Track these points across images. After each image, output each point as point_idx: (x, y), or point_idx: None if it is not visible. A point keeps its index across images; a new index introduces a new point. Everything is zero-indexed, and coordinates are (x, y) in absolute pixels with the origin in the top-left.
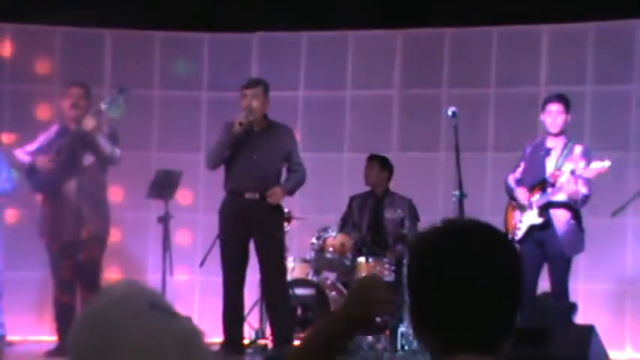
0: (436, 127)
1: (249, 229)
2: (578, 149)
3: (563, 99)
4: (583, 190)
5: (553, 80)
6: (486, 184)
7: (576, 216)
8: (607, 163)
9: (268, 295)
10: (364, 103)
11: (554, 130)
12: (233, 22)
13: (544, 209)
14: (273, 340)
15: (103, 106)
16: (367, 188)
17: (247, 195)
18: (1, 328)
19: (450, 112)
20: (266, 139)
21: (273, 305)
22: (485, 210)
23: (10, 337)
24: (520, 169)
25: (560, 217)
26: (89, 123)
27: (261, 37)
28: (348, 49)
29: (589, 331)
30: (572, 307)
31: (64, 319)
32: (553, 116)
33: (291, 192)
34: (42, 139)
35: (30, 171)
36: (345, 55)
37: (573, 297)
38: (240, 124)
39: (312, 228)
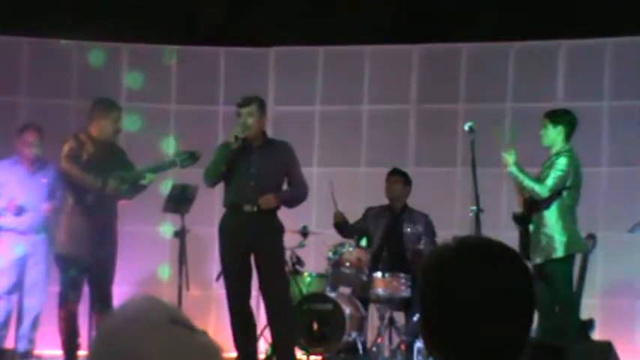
0: (452, 142)
1: (249, 242)
2: (555, 158)
3: (546, 114)
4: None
5: (569, 96)
6: (503, 200)
7: (557, 219)
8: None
9: (271, 307)
10: (381, 118)
11: (542, 142)
12: (249, 36)
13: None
14: (277, 353)
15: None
16: (384, 202)
17: (246, 208)
18: (29, 343)
19: (467, 127)
20: (264, 154)
21: (277, 317)
22: (501, 225)
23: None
24: None
25: (537, 222)
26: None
27: (277, 52)
28: (364, 63)
29: (607, 347)
30: (590, 323)
31: (71, 333)
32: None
33: (286, 202)
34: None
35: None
36: (361, 70)
37: (590, 312)
38: (236, 137)
39: (328, 243)
